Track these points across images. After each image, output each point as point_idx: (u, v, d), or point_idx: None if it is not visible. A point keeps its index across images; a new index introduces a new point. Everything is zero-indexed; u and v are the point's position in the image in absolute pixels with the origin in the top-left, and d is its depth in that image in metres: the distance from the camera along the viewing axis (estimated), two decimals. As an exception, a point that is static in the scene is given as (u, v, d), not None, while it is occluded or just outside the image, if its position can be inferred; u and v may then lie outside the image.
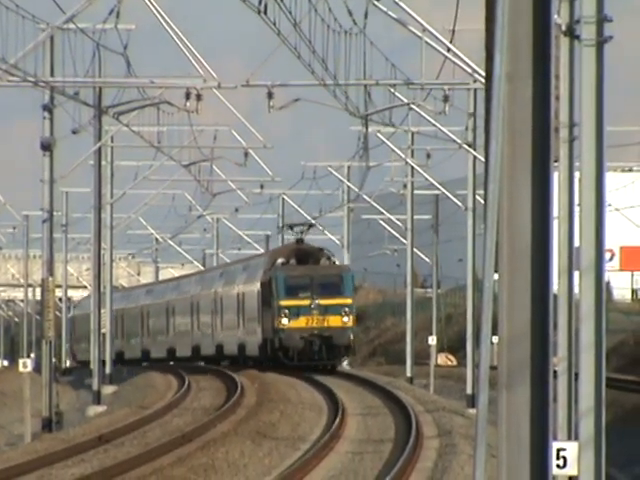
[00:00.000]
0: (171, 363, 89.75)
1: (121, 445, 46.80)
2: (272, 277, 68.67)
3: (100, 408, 65.62)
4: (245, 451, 43.53)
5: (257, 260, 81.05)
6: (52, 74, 56.12)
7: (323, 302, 66.30)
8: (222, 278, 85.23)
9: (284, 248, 77.34)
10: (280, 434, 47.64)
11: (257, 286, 73.88)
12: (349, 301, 67.28)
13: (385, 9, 42.50)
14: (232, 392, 64.40)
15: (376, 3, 41.52)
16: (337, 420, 50.26)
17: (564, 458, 12.73)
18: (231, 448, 44.30)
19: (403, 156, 78.78)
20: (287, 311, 66.43)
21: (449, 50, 43.53)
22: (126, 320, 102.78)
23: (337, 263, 73.16)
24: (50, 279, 61.57)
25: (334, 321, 65.90)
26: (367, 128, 64.93)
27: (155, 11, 44.40)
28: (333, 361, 66.36)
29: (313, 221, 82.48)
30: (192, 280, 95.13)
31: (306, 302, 66.43)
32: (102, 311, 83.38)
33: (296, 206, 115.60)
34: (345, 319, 66.38)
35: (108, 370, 77.79)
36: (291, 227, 79.56)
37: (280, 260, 71.76)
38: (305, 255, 70.37)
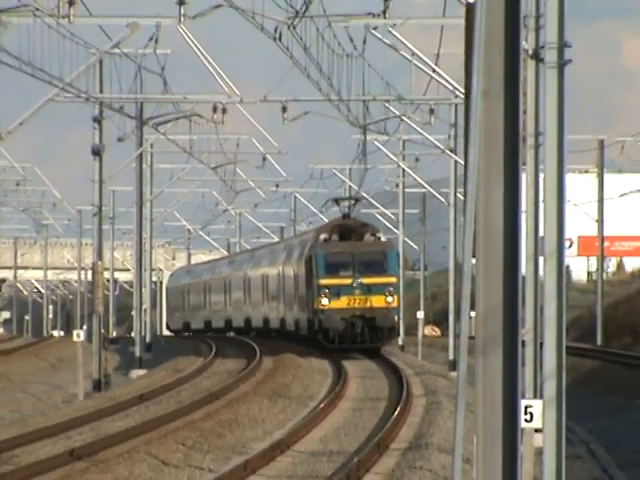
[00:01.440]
0: (231, 334, 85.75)
1: (159, 402, 46.75)
2: (312, 254, 63.09)
3: (141, 372, 65.23)
4: (263, 408, 43.50)
5: (305, 237, 74.04)
6: (101, 91, 55.92)
7: (366, 281, 59.86)
8: (271, 255, 79.66)
9: (328, 224, 70.21)
10: (292, 394, 47.52)
11: (295, 264, 68.74)
12: (393, 280, 61.47)
13: (380, 36, 42.34)
14: (252, 359, 63.54)
15: (373, 32, 41.33)
16: (340, 382, 50.25)
17: (531, 414, 12.65)
18: (251, 405, 44.24)
19: (396, 160, 78.27)
20: (327, 290, 60.18)
21: (434, 71, 43.38)
22: (192, 294, 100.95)
23: (383, 239, 65.65)
24: (99, 263, 61.48)
25: (377, 301, 59.42)
26: (365, 136, 63.91)
27: (187, 38, 44.22)
28: (376, 344, 60.46)
29: (363, 195, 68.92)
30: (245, 257, 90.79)
31: (348, 281, 60.05)
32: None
33: (305, 202, 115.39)
34: (389, 299, 60.17)
35: (148, 339, 77.51)
36: (337, 201, 70.88)
37: (322, 236, 65.07)
38: (348, 231, 63.41)
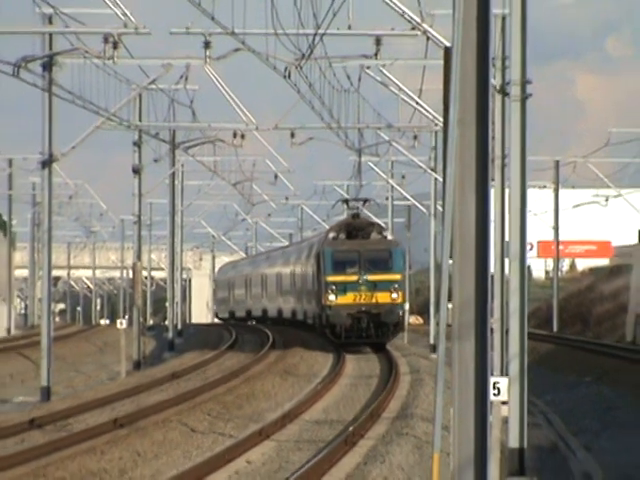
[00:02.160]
0: (268, 323, 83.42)
1: (188, 379, 46.70)
2: (320, 252, 59.74)
3: (172, 354, 65.37)
4: (275, 384, 43.44)
5: (318, 236, 70.57)
6: (140, 120, 55.86)
7: (371, 278, 56.50)
8: (293, 254, 75.15)
9: (337, 223, 66.23)
10: (300, 372, 47.46)
11: (304, 262, 66.00)
12: (398, 277, 57.88)
13: (373, 75, 42.37)
14: (266, 343, 63.46)
15: (367, 70, 41.36)
16: (339, 363, 50.11)
17: (498, 389, 12.55)
18: (265, 382, 44.16)
19: (385, 177, 77.99)
20: (334, 287, 56.65)
21: (417, 103, 43.38)
22: (236, 286, 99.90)
23: (389, 238, 61.49)
24: (138, 263, 61.45)
25: (382, 297, 56.13)
26: (360, 158, 63.33)
27: (212, 76, 44.26)
28: (382, 339, 56.83)
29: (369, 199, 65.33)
30: (284, 253, 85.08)
31: (354, 278, 56.59)
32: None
33: (311, 212, 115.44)
34: (394, 295, 56.87)
35: (179, 327, 77.52)
36: (346, 202, 68.16)
37: (331, 235, 61.71)
38: (355, 229, 59.48)
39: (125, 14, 34.28)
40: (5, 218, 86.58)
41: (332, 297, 55.18)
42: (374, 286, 55.24)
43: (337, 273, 55.94)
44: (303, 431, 31.48)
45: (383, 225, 65.09)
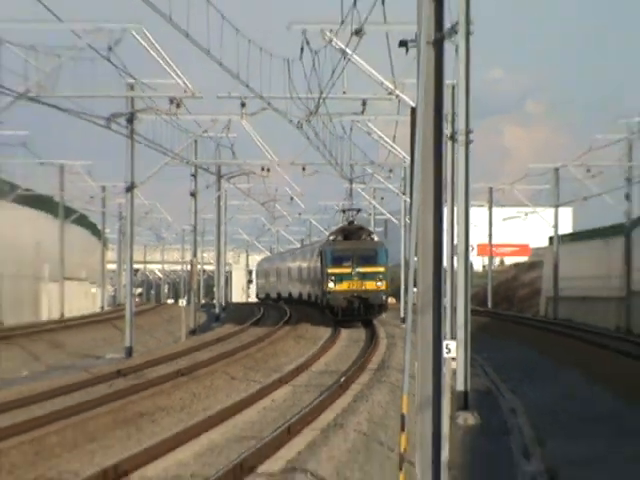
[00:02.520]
0: (292, 303, 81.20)
1: (229, 342, 46.58)
2: (323, 250, 58.57)
3: (218, 324, 65.28)
4: (291, 345, 43.64)
5: (322, 240, 70.39)
6: (195, 158, 55.92)
7: (361, 270, 55.13)
8: (306, 253, 72.90)
9: (336, 228, 65.24)
10: (308, 337, 47.49)
11: (313, 258, 63.96)
12: (382, 269, 55.94)
13: (360, 126, 42.39)
14: (283, 319, 63.23)
15: (356, 124, 41.38)
16: (336, 331, 50.09)
17: (449, 349, 12.58)
18: (284, 344, 44.29)
19: (369, 199, 77.86)
20: (333, 277, 55.44)
21: (392, 146, 43.37)
22: (270, 275, 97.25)
23: (375, 239, 60.70)
24: (194, 259, 61.59)
25: (370, 285, 54.82)
26: (351, 185, 62.90)
27: (246, 127, 44.37)
28: (369, 316, 55.20)
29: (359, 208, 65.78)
30: (301, 251, 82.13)
31: (348, 270, 55.26)
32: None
33: (316, 224, 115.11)
34: (379, 284, 55.30)
35: (223, 305, 77.34)
36: (343, 211, 66.31)
37: (331, 237, 61.34)
38: (350, 233, 58.67)
39: (185, 83, 34.32)
40: (100, 228, 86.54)
41: (331, 285, 54.25)
42: (364, 276, 54.11)
43: (335, 266, 54.90)
44: (311, 378, 31.52)
45: (371, 229, 63.51)
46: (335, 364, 35.64)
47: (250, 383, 30.11)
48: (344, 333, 48.63)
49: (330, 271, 54.73)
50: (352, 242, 56.57)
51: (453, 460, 14.76)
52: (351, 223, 60.18)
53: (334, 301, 54.47)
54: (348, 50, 24.84)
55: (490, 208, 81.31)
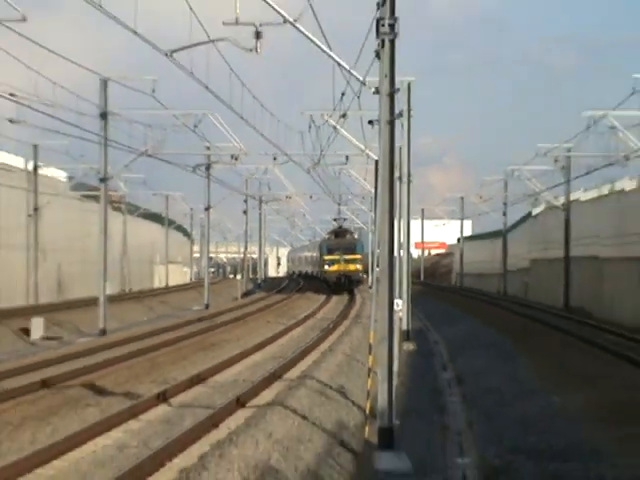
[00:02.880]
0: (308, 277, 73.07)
1: (266, 300, 46.04)
2: (321, 244, 56.24)
3: (259, 290, 64.72)
4: (302, 303, 43.11)
5: (322, 239, 66.24)
6: (246, 190, 55.82)
7: (346, 257, 52.20)
8: (313, 246, 68.65)
9: (330, 230, 60.95)
10: (313, 299, 46.76)
11: (316, 250, 60.91)
12: (359, 257, 52.65)
13: (345, 172, 42.32)
14: (297, 288, 62.40)
15: (343, 171, 41.27)
16: (329, 296, 49.04)
17: (397, 304, 12.59)
18: (299, 302, 43.90)
19: (350, 215, 77.48)
20: (327, 262, 52.86)
21: (363, 184, 43.21)
22: (295, 260, 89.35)
23: (355, 237, 57.68)
24: (245, 251, 61.72)
25: (351, 267, 52.09)
26: (339, 206, 61.65)
27: (278, 173, 44.35)
28: (351, 287, 52.05)
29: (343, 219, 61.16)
30: (310, 246, 77.23)
31: (337, 257, 52.44)
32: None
33: (319, 230, 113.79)
34: (357, 266, 52.37)
35: (262, 278, 76.70)
36: (335, 220, 61.34)
37: (327, 236, 59.16)
38: (338, 233, 55.74)
39: (240, 145, 34.28)
40: (189, 232, 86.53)
41: (327, 267, 52.54)
42: (347, 261, 51.99)
43: (329, 254, 52.94)
44: (315, 322, 31.13)
45: (352, 231, 60.28)
46: (329, 314, 35.40)
47: (279, 325, 29.80)
48: (334, 297, 47.98)
49: (325, 258, 52.96)
50: (339, 239, 54.64)
51: (400, 371, 14.75)
52: (340, 227, 58.14)
53: (328, 277, 52.92)
54: (337, 126, 24.75)
55: (422, 220, 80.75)
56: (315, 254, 62.91)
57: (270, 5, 12.01)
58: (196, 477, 7.95)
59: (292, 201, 60.81)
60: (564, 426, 11.46)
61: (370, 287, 57.07)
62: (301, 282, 67.95)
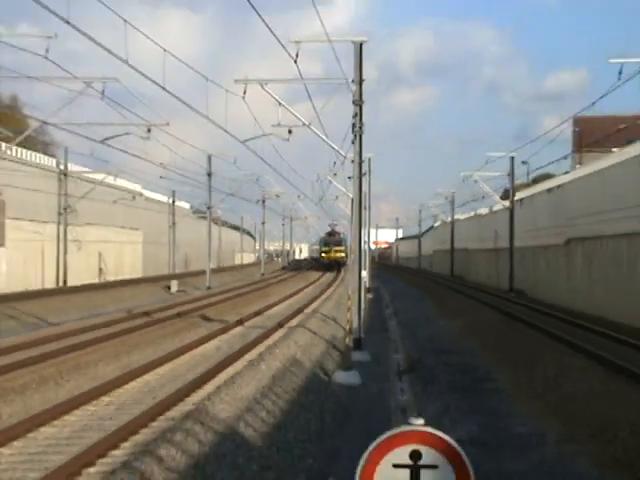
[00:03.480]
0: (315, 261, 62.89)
1: (289, 274, 43.91)
2: (320, 241, 52.62)
3: (290, 268, 60.52)
4: (310, 275, 41.07)
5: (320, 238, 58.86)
6: (283, 212, 54.56)
7: (335, 249, 47.94)
8: (318, 242, 60.42)
9: (326, 232, 53.74)
10: (315, 274, 44.09)
11: (318, 244, 56.32)
12: (344, 249, 46.84)
13: (337, 204, 40.79)
14: (298, 268, 57.25)
15: (336, 204, 37.33)
16: (324, 274, 45.99)
17: (363, 274, 12.25)
18: (308, 275, 41.66)
19: (341, 227, 74.50)
20: (323, 252, 49.01)
21: (347, 210, 41.67)
22: (313, 251, 74.50)
23: (341, 236, 50.48)
24: (283, 245, 60.55)
25: (338, 255, 47.42)
26: (333, 222, 58.43)
27: (301, 204, 43.83)
28: (338, 267, 46.69)
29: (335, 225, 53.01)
30: (316, 242, 66.37)
31: (329, 249, 48.37)
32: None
33: (321, 234, 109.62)
34: (342, 254, 47.09)
35: (291, 260, 72.96)
36: (330, 225, 54.22)
37: (323, 235, 53.66)
38: (331, 234, 50.87)
39: (278, 189, 34.13)
40: (254, 235, 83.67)
41: (324, 254, 49.91)
42: (336, 252, 48.80)
43: (324, 247, 49.97)
44: (314, 289, 28.39)
45: (340, 232, 53.56)
46: (320, 285, 33.17)
47: (294, 287, 28.37)
48: (326, 274, 44.75)
49: (323, 249, 50.51)
50: (331, 237, 51.26)
51: (365, 308, 14.18)
52: (332, 231, 53.58)
53: (325, 260, 50.05)
54: (331, 179, 24.95)
55: (376, 229, 78.19)
56: (318, 247, 59.72)
57: (295, 116, 12.52)
58: (257, 363, 8.18)
59: (310, 219, 60.38)
60: (448, 337, 12.56)
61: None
62: (310, 264, 64.08)
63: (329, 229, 54.77)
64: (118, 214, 26.26)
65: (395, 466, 1.49)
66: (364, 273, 12.97)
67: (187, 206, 41.51)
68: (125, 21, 8.24)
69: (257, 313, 15.95)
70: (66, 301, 17.08)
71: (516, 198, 22.75)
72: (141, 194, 29.86)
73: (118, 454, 4.53)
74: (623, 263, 12.65)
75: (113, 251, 26.36)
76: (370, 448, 1.52)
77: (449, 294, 23.37)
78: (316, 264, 56.51)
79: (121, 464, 4.04)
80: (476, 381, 7.90)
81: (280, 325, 13.24)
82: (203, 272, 26.73)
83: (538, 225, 20.12)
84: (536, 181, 25.60)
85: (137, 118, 14.31)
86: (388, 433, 1.52)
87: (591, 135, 22.15)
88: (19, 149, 15.91)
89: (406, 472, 1.49)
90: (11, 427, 5.02)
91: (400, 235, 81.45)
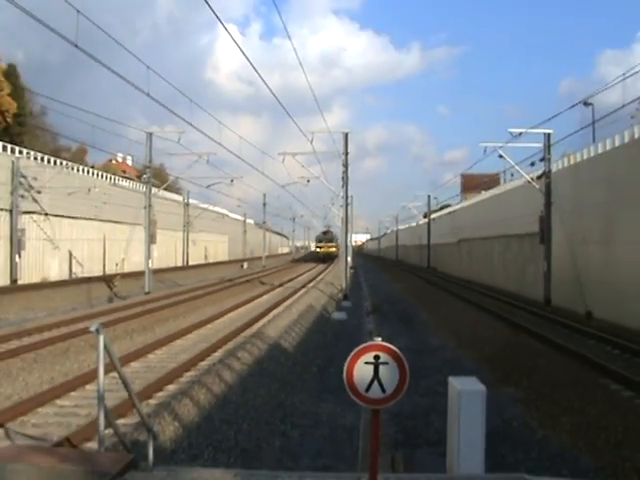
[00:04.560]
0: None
1: (296, 264, 39.42)
2: (316, 238, 47.27)
3: (301, 260, 50.11)
4: (299, 268, 32.98)
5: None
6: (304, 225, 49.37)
7: (328, 244, 43.43)
8: (315, 239, 50.00)
9: (321, 232, 47.99)
10: (313, 264, 38.78)
11: (314, 241, 49.53)
12: (335, 244, 42.86)
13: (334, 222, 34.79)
14: (297, 260, 49.86)
15: (334, 222, 34.60)
16: (319, 264, 40.56)
17: (349, 260, 12.58)
18: (298, 268, 33.42)
19: (336, 229, 57.13)
20: (318, 247, 44.57)
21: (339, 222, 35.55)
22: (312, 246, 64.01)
23: (333, 233, 44.88)
24: (303, 243, 60.52)
25: (331, 250, 42.76)
26: (329, 228, 47.45)
27: (314, 221, 42.81)
28: (331, 260, 40.74)
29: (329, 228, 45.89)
30: (314, 239, 54.96)
31: (323, 244, 43.95)
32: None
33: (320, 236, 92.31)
34: (334, 250, 42.55)
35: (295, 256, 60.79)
36: (325, 225, 47.67)
37: (318, 234, 47.86)
38: (325, 232, 45.35)
39: (301, 213, 35.83)
40: (288, 237, 72.03)
41: (318, 250, 45.27)
42: (328, 247, 44.23)
43: (319, 242, 45.78)
44: (311, 273, 26.35)
45: (333, 231, 47.00)
46: (318, 270, 29.50)
47: (297, 271, 27.50)
48: (321, 265, 40.26)
49: (317, 244, 47.69)
50: (325, 235, 47.83)
51: (349, 278, 14.15)
52: (327, 228, 49.44)
53: (319, 254, 46.61)
54: (332, 207, 23.54)
55: (355, 234, 73.12)
56: (315, 243, 54.91)
57: (311, 172, 15.05)
58: (281, 314, 9.19)
59: (318, 228, 53.99)
60: (397, 293, 16.14)
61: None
62: (310, 256, 57.77)
63: (324, 229, 53.78)
64: (215, 226, 35.90)
65: (366, 363, 2.27)
66: (349, 259, 14.35)
67: (252, 221, 48.03)
68: (219, 122, 13.87)
69: (290, 279, 19.99)
70: (188, 273, 23.65)
71: (432, 217, 31.02)
72: (227, 215, 39.88)
73: (216, 355, 6.90)
74: (485, 252, 19.78)
75: (213, 246, 36.67)
76: (352, 353, 2.25)
77: (395, 270, 30.71)
78: (314, 257, 54.32)
79: (218, 360, 6.28)
80: (411, 317, 10.98)
81: (303, 286, 17.05)
82: (260, 258, 35.87)
83: (443, 232, 27.93)
84: (442, 208, 32.55)
85: (225, 174, 20.86)
86: (361, 345, 2.24)
87: (470, 184, 34.69)
88: (164, 192, 21.45)
89: (371, 367, 2.27)
90: (162, 339, 7.69)
91: (368, 237, 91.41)
